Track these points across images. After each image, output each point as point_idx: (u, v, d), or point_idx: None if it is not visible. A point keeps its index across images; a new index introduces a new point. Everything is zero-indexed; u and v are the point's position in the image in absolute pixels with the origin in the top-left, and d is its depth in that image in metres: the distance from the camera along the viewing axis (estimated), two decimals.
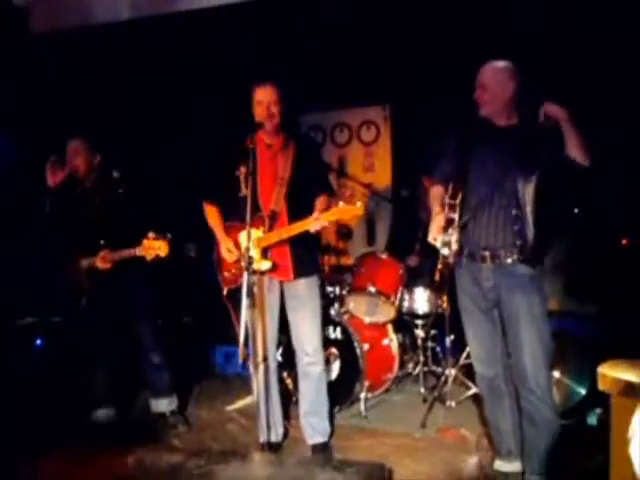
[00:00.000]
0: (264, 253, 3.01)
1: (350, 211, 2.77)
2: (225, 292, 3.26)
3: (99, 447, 3.47)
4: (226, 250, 3.13)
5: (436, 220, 2.68)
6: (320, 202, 3.09)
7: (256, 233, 2.93)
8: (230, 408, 4.07)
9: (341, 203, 2.77)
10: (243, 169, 3.03)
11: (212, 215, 3.25)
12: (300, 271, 3.11)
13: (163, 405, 3.76)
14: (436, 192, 2.87)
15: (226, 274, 3.23)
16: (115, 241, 3.51)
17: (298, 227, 2.93)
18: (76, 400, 3.85)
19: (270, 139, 3.14)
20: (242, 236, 2.98)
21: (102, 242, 3.53)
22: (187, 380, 4.42)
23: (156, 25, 4.44)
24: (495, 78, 2.69)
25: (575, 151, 2.54)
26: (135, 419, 3.91)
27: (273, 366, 3.23)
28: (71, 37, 4.56)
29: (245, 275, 2.74)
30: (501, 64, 2.72)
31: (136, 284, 3.67)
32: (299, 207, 3.04)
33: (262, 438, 3.12)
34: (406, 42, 4.56)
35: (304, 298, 3.16)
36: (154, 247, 3.34)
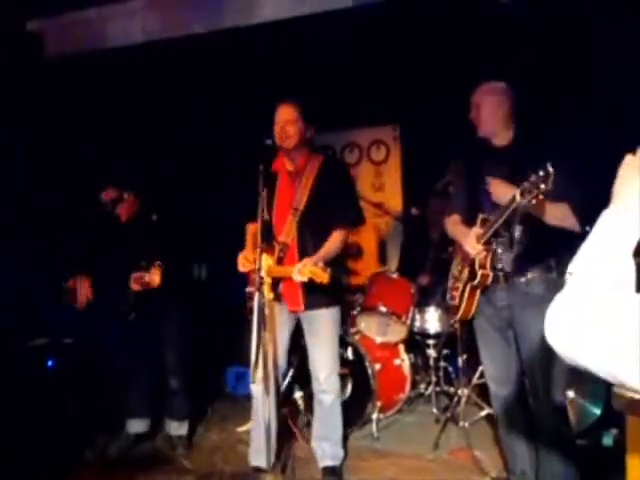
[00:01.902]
0: (274, 282, 2.93)
1: (319, 276, 2.70)
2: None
3: (111, 467, 3.46)
4: (242, 257, 3.03)
5: (471, 232, 2.66)
6: (327, 244, 2.99)
7: (268, 260, 2.90)
8: (241, 429, 4.03)
9: (316, 268, 2.74)
10: (264, 192, 2.97)
11: (249, 228, 3.26)
12: (311, 304, 3.03)
13: (172, 428, 3.75)
14: (454, 218, 2.92)
15: (248, 288, 3.16)
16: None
17: (284, 272, 2.91)
18: (87, 421, 3.84)
19: (290, 162, 3.10)
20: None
21: (143, 263, 3.48)
22: (198, 401, 4.39)
23: (170, 48, 4.49)
24: (488, 98, 2.74)
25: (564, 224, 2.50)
26: (148, 439, 3.87)
27: (273, 389, 3.15)
28: (85, 61, 4.62)
29: (256, 296, 2.73)
30: (493, 84, 2.77)
31: (170, 314, 3.67)
32: (311, 241, 3.02)
33: (253, 462, 3.08)
34: (416, 62, 4.59)
35: (318, 325, 3.09)
36: (150, 274, 3.37)
